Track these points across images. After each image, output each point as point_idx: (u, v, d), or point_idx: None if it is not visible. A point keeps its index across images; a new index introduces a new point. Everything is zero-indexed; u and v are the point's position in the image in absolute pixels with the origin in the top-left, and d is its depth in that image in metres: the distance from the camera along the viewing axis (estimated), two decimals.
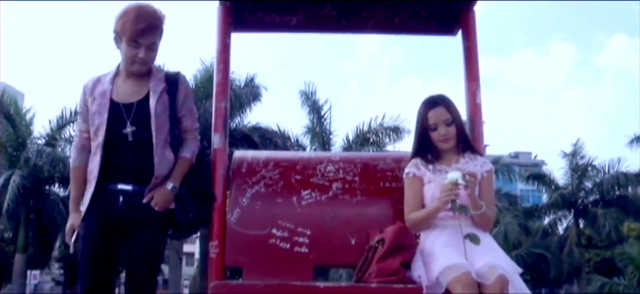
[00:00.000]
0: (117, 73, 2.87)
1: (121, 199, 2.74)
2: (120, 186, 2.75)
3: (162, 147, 2.77)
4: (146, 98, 2.79)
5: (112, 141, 2.75)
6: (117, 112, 2.77)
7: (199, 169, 2.93)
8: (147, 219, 2.73)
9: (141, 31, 2.73)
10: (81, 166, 2.85)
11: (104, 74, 2.91)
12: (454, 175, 2.67)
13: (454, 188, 2.64)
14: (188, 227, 2.91)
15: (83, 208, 2.78)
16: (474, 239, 2.58)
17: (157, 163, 2.75)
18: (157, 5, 2.83)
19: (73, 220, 2.82)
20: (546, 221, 29.20)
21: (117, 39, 2.80)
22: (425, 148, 2.93)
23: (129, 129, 2.74)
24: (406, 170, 2.93)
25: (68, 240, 2.82)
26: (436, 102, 2.91)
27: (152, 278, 2.76)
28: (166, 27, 2.85)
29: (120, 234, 2.77)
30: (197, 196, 2.89)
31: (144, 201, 2.73)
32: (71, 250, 2.83)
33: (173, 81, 2.87)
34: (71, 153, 2.95)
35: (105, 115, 2.77)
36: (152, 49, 2.80)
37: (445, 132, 2.87)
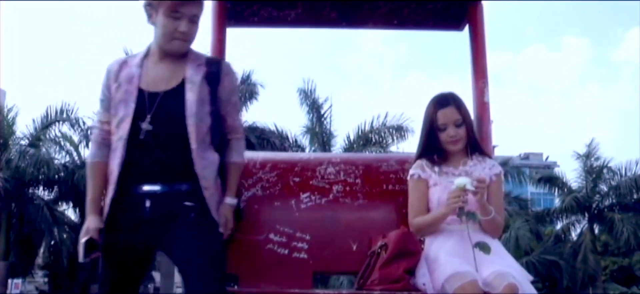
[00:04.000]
0: (147, 55, 2.55)
1: (148, 203, 2.40)
2: (146, 187, 2.42)
3: (201, 148, 2.44)
4: (178, 88, 2.47)
5: (136, 136, 2.43)
6: (144, 103, 2.45)
7: None
8: (187, 220, 2.40)
9: None
10: (101, 163, 2.51)
11: (132, 56, 2.61)
12: (462, 180, 2.66)
13: (461, 194, 2.63)
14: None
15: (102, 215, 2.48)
16: (484, 248, 2.57)
17: (200, 168, 2.42)
18: None
19: (88, 223, 2.44)
20: (559, 226, 29.16)
21: (151, 10, 2.48)
22: (432, 149, 2.93)
23: (145, 126, 2.42)
24: (411, 172, 2.93)
25: (80, 245, 2.41)
26: (447, 101, 2.90)
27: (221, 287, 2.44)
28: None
29: (151, 246, 2.49)
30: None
31: (221, 230, 2.46)
32: (80, 259, 2.44)
33: (215, 69, 2.54)
34: (90, 147, 2.64)
35: (133, 106, 2.44)
36: (195, 21, 2.48)
37: (455, 133, 2.87)
